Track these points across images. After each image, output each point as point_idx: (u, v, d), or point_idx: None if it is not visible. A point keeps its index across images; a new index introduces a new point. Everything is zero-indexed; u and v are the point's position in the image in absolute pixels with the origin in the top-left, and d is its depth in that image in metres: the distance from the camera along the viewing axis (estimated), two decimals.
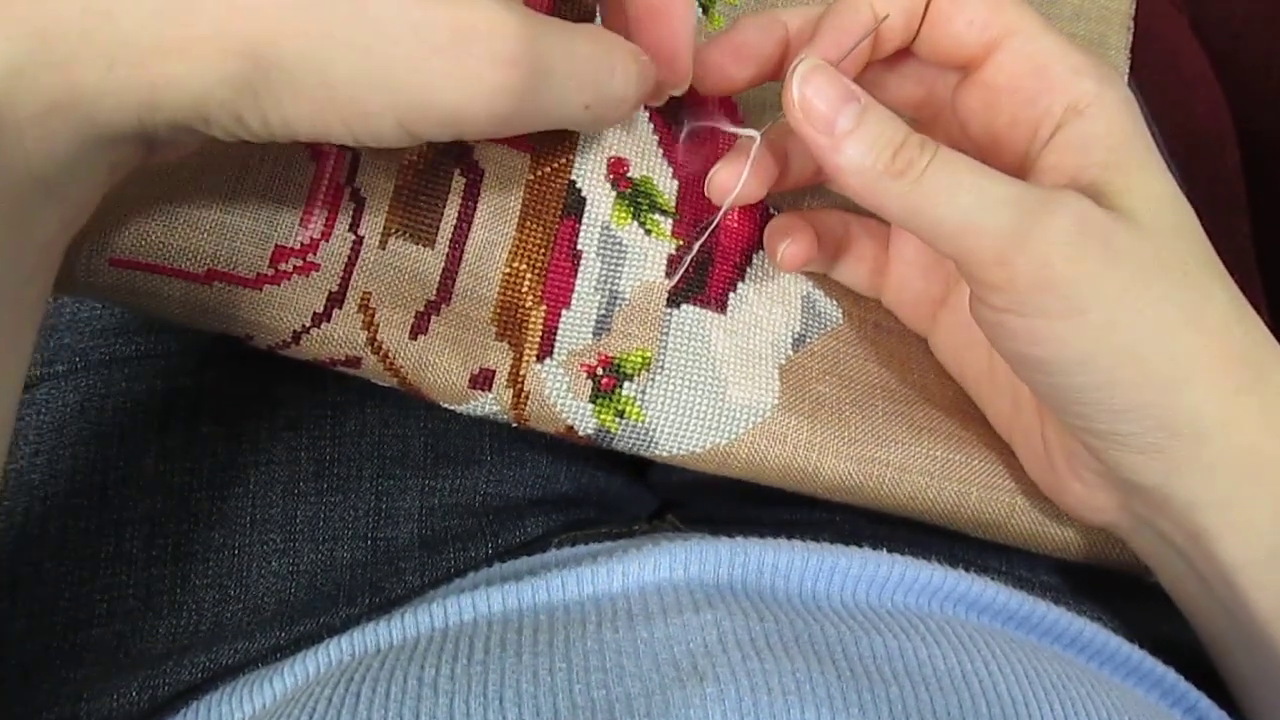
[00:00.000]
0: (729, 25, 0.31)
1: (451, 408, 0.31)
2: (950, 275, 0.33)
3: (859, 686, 0.25)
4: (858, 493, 0.32)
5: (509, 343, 0.31)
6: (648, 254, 0.32)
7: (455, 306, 0.31)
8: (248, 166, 0.30)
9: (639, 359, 0.31)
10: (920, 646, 0.27)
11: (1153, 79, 0.47)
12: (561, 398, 0.31)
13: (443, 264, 0.31)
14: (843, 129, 0.26)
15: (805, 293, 0.34)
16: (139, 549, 0.32)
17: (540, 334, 0.31)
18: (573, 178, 0.32)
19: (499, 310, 0.31)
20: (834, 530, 0.36)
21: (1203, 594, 0.30)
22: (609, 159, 0.33)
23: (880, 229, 0.34)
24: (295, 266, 0.30)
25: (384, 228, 0.31)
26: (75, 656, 0.30)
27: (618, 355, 0.31)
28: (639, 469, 0.42)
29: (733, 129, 0.31)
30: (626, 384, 0.31)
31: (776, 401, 0.32)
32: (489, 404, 0.30)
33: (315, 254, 0.30)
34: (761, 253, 0.34)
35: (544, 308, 0.31)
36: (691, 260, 0.32)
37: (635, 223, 0.33)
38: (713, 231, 0.33)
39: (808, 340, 0.34)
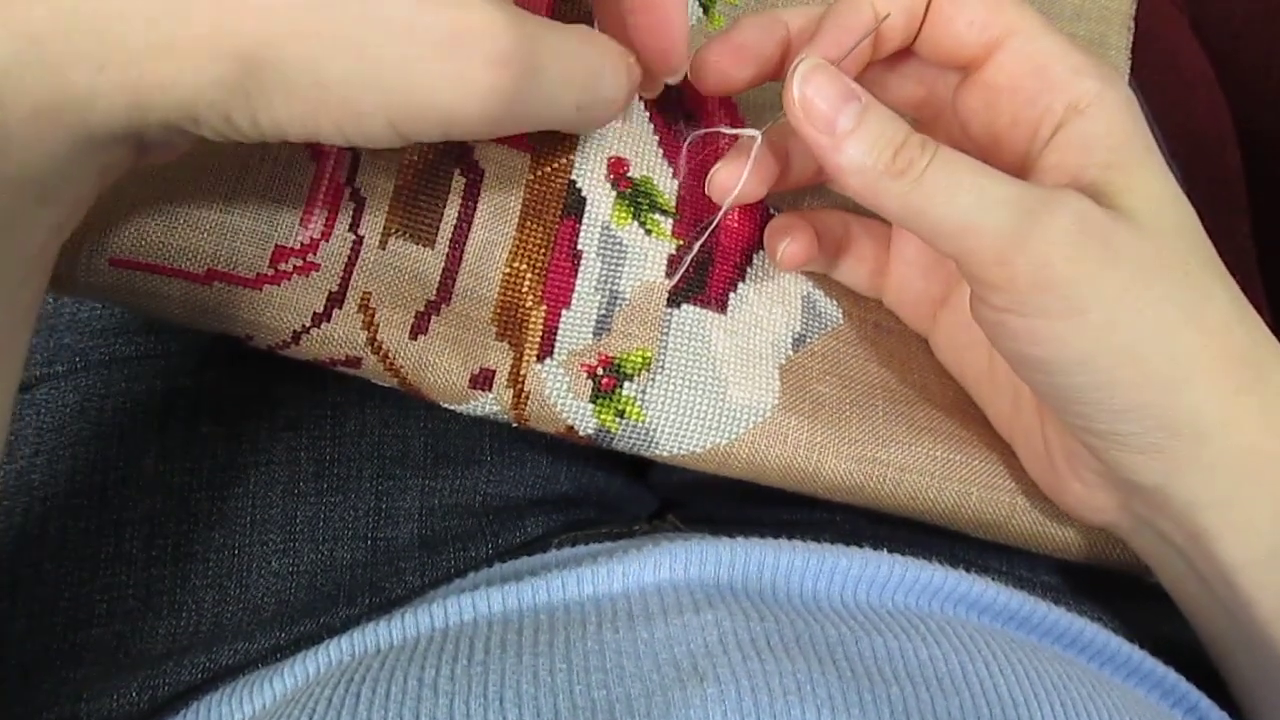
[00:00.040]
0: (729, 25, 0.31)
1: (452, 408, 0.31)
2: (951, 275, 0.33)
3: (859, 687, 0.25)
4: (858, 493, 0.32)
5: (509, 343, 0.31)
6: (648, 254, 0.32)
7: (455, 306, 0.31)
8: (248, 166, 0.30)
9: (639, 359, 0.31)
10: (921, 647, 0.27)
11: (1153, 79, 0.47)
12: (562, 398, 0.30)
13: (443, 264, 0.31)
14: (843, 128, 0.26)
15: (805, 293, 0.34)
16: (139, 549, 0.32)
17: (540, 334, 0.31)
18: (573, 178, 0.32)
19: (499, 310, 0.31)
20: (834, 530, 0.36)
21: (1203, 594, 0.30)
22: (609, 159, 0.33)
23: (881, 229, 0.34)
24: (295, 266, 0.30)
25: (384, 228, 0.31)
26: (75, 656, 0.30)
27: (618, 355, 0.31)
28: (639, 469, 0.42)
29: (733, 130, 0.31)
30: (627, 384, 0.31)
31: (777, 401, 0.32)
32: (489, 404, 0.30)
33: (315, 254, 0.30)
34: (762, 253, 0.34)
35: (544, 308, 0.31)
36: (692, 260, 0.32)
37: (635, 222, 0.33)
38: (713, 231, 0.33)
39: (808, 340, 0.33)
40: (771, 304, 0.33)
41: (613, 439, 0.31)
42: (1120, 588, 0.35)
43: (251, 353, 0.31)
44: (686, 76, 0.31)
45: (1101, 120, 0.27)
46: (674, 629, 0.26)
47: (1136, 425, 0.27)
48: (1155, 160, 0.27)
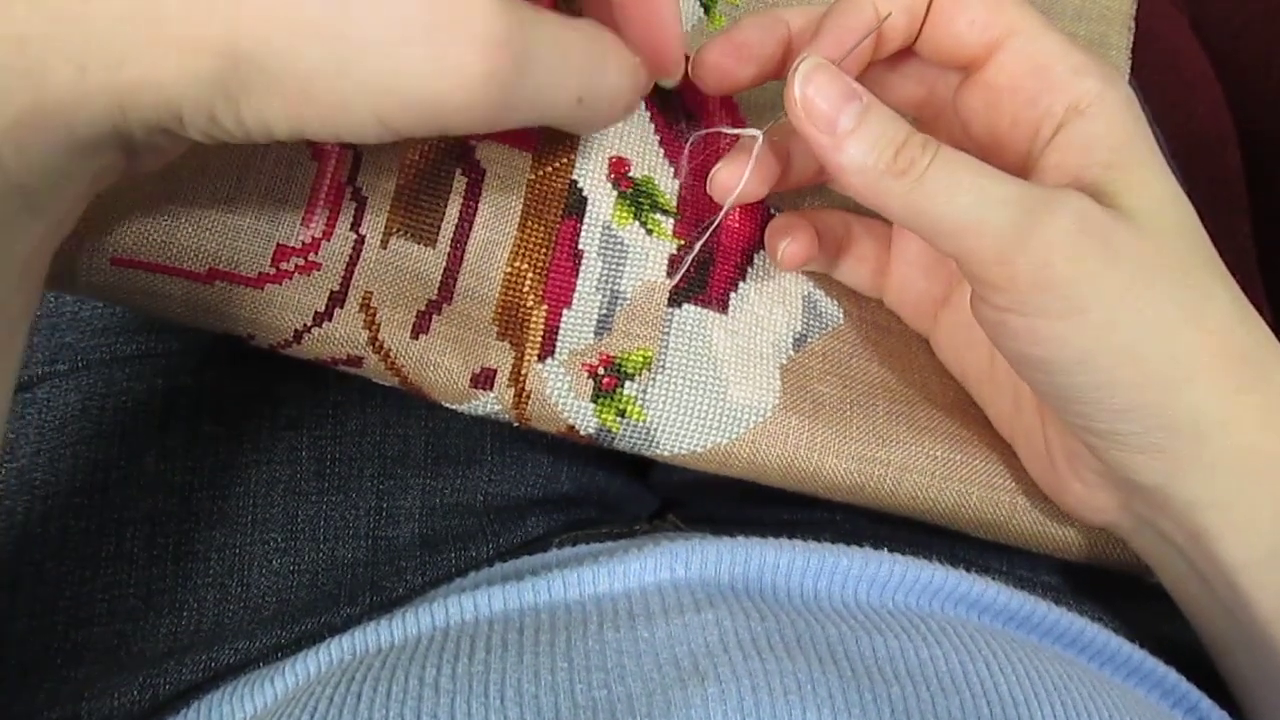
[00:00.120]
0: (730, 25, 0.31)
1: (453, 407, 0.31)
2: (952, 275, 0.33)
3: (860, 686, 0.25)
4: (859, 493, 0.32)
5: (510, 342, 0.31)
6: (649, 254, 0.32)
7: (457, 306, 0.31)
8: (249, 166, 0.30)
9: (640, 358, 0.31)
10: (921, 646, 0.27)
11: (1153, 79, 0.47)
12: (563, 397, 0.31)
13: (444, 263, 0.31)
14: (844, 128, 0.26)
15: (806, 293, 0.34)
16: (140, 548, 0.32)
17: (542, 333, 0.31)
18: (574, 177, 0.32)
19: (500, 310, 0.31)
20: (835, 530, 0.36)
21: (1203, 594, 0.30)
22: (610, 159, 0.33)
23: (882, 229, 0.34)
24: (297, 265, 0.30)
25: (385, 227, 0.31)
26: (76, 656, 0.30)
27: (619, 355, 0.31)
28: (640, 469, 0.42)
29: (734, 131, 0.31)
30: (628, 383, 0.31)
31: (778, 401, 0.32)
32: (490, 403, 0.30)
33: (317, 253, 0.30)
34: (763, 252, 0.34)
35: (545, 307, 0.31)
36: (693, 260, 0.32)
37: (636, 222, 0.33)
38: (714, 231, 0.33)
39: (809, 340, 0.34)
40: (772, 304, 0.33)
41: (614, 438, 0.31)
42: (1121, 588, 0.35)
43: (253, 352, 0.31)
44: (687, 74, 0.30)
45: (1102, 120, 0.27)
46: (675, 628, 0.26)
47: (1137, 425, 0.27)
48: (1156, 160, 0.27)
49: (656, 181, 0.33)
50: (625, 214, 0.33)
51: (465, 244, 0.31)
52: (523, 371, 0.30)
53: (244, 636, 0.31)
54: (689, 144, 0.33)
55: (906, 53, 0.30)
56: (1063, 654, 0.30)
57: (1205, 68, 0.56)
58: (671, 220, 0.33)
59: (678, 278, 0.32)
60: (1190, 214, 0.28)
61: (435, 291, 0.31)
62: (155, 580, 0.31)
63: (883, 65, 0.31)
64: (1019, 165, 0.29)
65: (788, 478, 0.32)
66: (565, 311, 0.31)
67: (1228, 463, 0.27)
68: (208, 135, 0.22)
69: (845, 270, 0.34)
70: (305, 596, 0.32)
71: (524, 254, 0.31)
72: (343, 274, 0.30)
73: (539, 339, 0.31)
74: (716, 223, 0.33)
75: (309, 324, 0.29)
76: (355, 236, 0.30)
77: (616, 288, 0.32)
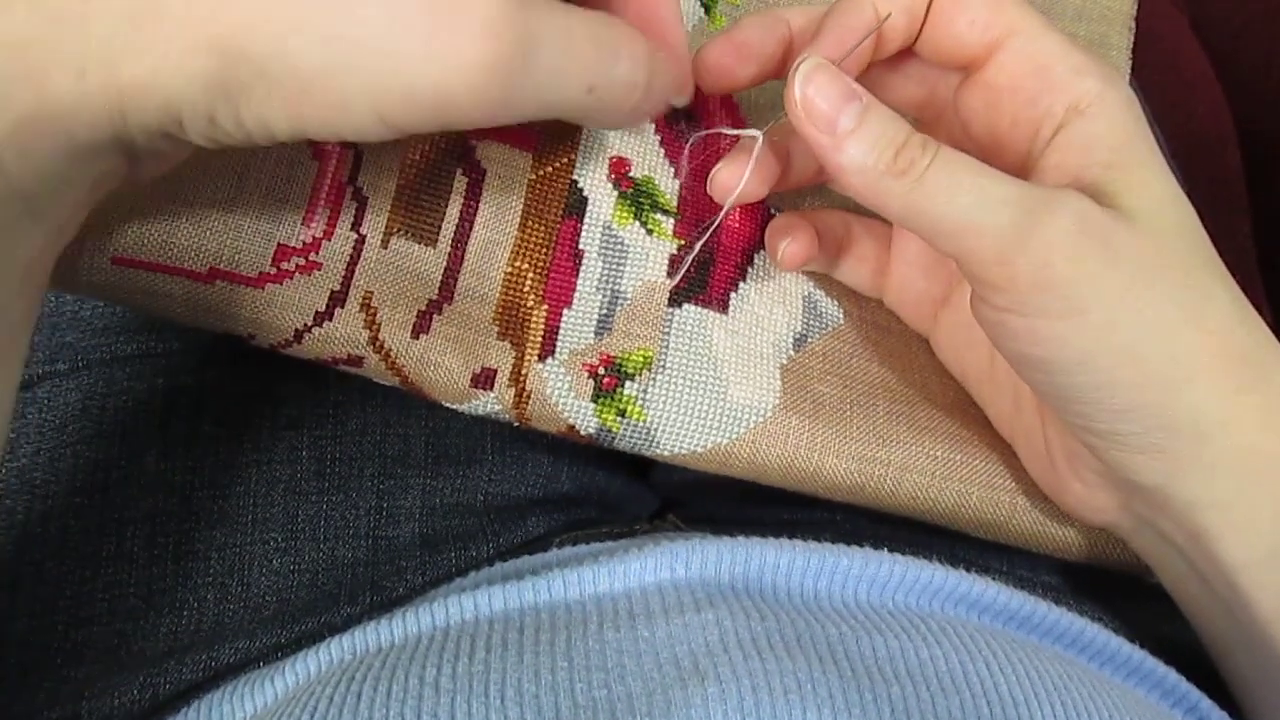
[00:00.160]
0: (731, 24, 0.31)
1: (453, 407, 0.31)
2: (952, 275, 0.33)
3: (860, 686, 0.25)
4: (859, 493, 0.32)
5: (511, 342, 0.31)
6: (649, 254, 0.32)
7: (457, 306, 0.31)
8: (250, 165, 0.30)
9: (641, 358, 0.31)
10: (921, 647, 0.27)
11: (1153, 79, 0.47)
12: (563, 397, 0.31)
13: (445, 263, 0.31)
14: (844, 128, 0.26)
15: (806, 293, 0.34)
16: (140, 548, 0.32)
17: (542, 333, 0.31)
18: (574, 177, 0.32)
19: (501, 310, 0.31)
20: (835, 530, 0.36)
21: (1203, 594, 0.30)
22: (611, 159, 0.33)
23: (882, 229, 0.34)
24: (298, 265, 0.30)
25: (386, 227, 0.31)
26: (76, 655, 0.30)
27: (619, 355, 0.31)
28: (640, 468, 0.42)
29: (734, 131, 0.31)
30: (628, 383, 0.31)
31: (778, 401, 0.32)
32: (490, 403, 0.30)
33: (317, 253, 0.30)
34: (763, 253, 0.34)
35: (546, 307, 0.31)
36: (693, 260, 0.33)
37: (637, 222, 0.33)
38: (714, 231, 0.33)
39: (809, 340, 0.34)
40: (773, 304, 0.33)
41: (614, 438, 0.31)
42: (1121, 588, 0.35)
43: (253, 352, 0.31)
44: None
45: (1102, 120, 0.27)
46: (675, 628, 0.26)
47: (1137, 425, 0.27)
48: (1156, 160, 0.27)
49: (657, 181, 0.33)
50: (626, 214, 0.33)
51: (466, 244, 0.31)
52: (523, 371, 0.30)
53: (244, 636, 0.31)
54: (689, 144, 0.33)
55: (907, 53, 0.30)
56: (1063, 654, 0.30)
57: (1205, 68, 0.55)
58: (672, 220, 0.33)
59: (678, 278, 0.32)
60: (1190, 214, 0.28)
61: (436, 291, 0.31)
62: (155, 580, 0.31)
63: (883, 65, 0.31)
64: (1019, 165, 0.29)
65: (788, 478, 0.32)
66: (566, 311, 0.31)
67: (1228, 463, 0.27)
68: (209, 138, 0.22)
69: (845, 270, 0.34)
70: (305, 596, 0.32)
71: (524, 254, 0.31)
72: (343, 274, 0.30)
73: (539, 339, 0.31)
74: (717, 223, 0.33)
75: (310, 324, 0.29)
76: (356, 236, 0.30)
77: (617, 288, 0.32)
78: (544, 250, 0.32)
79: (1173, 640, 0.33)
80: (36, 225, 0.22)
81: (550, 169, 0.32)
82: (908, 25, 0.29)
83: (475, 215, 0.31)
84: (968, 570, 0.31)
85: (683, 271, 0.32)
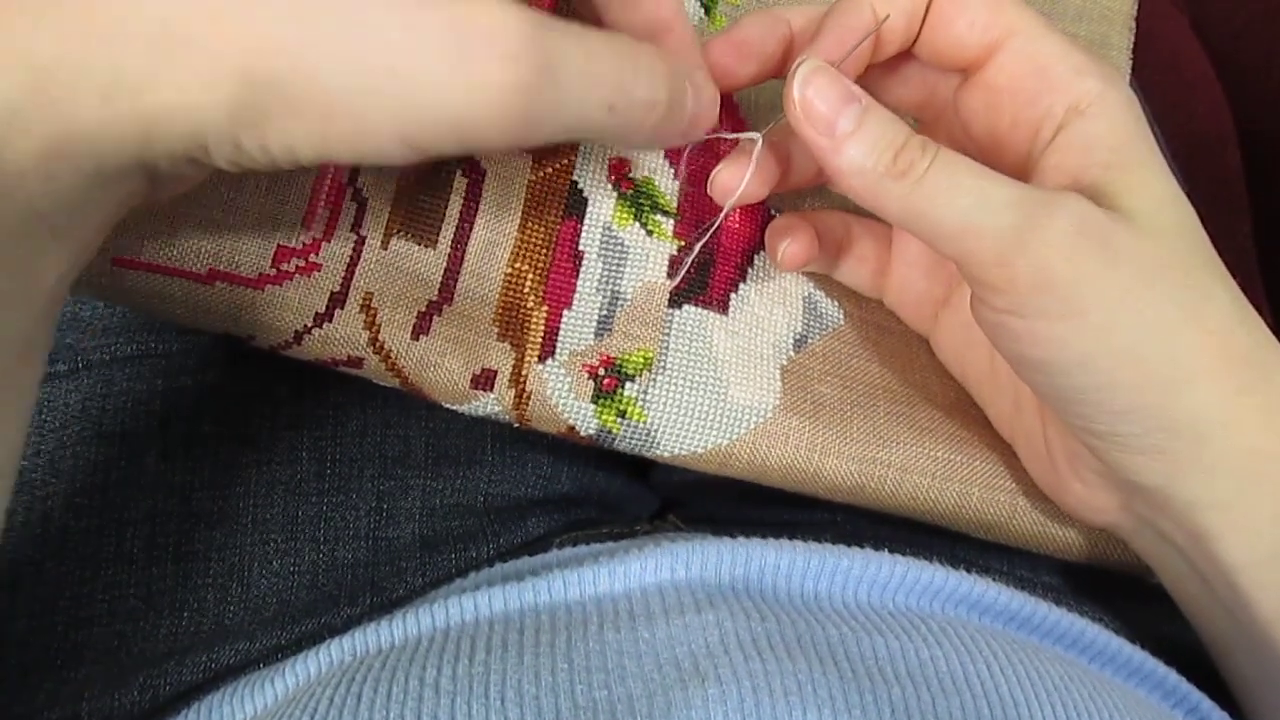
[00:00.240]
0: (731, 24, 0.31)
1: (453, 408, 0.31)
2: (952, 276, 0.33)
3: (860, 687, 0.25)
4: (859, 493, 0.32)
5: (511, 343, 0.31)
6: (649, 254, 0.32)
7: (457, 307, 0.31)
8: None
9: (641, 359, 0.31)
10: (922, 647, 0.27)
11: (1153, 79, 0.47)
12: (563, 398, 0.31)
13: (444, 264, 0.31)
14: (844, 130, 0.26)
15: (806, 293, 0.34)
16: (140, 549, 0.32)
17: (542, 334, 0.31)
18: (574, 178, 0.32)
19: (501, 310, 0.31)
20: (835, 531, 0.36)
21: (1204, 595, 0.30)
22: (610, 160, 0.33)
23: (882, 229, 0.34)
24: (297, 266, 0.30)
25: (386, 228, 0.31)
26: (76, 656, 0.30)
27: (619, 355, 0.31)
28: (640, 469, 0.42)
29: (734, 135, 0.31)
30: (628, 384, 0.31)
31: (778, 402, 0.32)
32: (491, 404, 0.30)
33: (317, 254, 0.30)
34: (763, 253, 0.34)
35: (546, 308, 0.31)
36: (693, 261, 0.33)
37: (637, 223, 0.33)
38: (714, 232, 0.33)
39: (809, 341, 0.34)
40: (773, 305, 0.33)
41: (614, 439, 0.31)
42: (1121, 588, 0.35)
43: (253, 352, 0.31)
44: None
45: (1103, 121, 0.27)
46: (675, 629, 0.26)
47: (1137, 426, 0.27)
48: (1156, 161, 0.27)
49: (656, 182, 0.33)
50: (625, 215, 0.33)
51: (466, 245, 0.31)
52: (523, 372, 0.30)
53: (244, 637, 0.31)
54: (686, 148, 0.33)
55: (906, 54, 0.30)
56: (1063, 655, 0.30)
57: (1206, 68, 0.55)
58: (672, 221, 0.33)
59: (678, 279, 0.32)
60: (1190, 214, 0.27)
61: (436, 292, 0.31)
62: (155, 580, 0.31)
63: (882, 67, 0.31)
64: (1019, 166, 0.29)
65: (788, 478, 0.32)
66: (566, 312, 0.31)
67: (1228, 464, 0.27)
68: (232, 163, 0.22)
69: (845, 271, 0.34)
70: (305, 597, 0.32)
71: (524, 255, 0.31)
72: (343, 275, 0.30)
73: (539, 340, 0.31)
74: (716, 224, 0.33)
75: (309, 325, 0.29)
76: (356, 237, 0.30)
77: (617, 288, 0.32)
78: (544, 251, 0.32)
79: (1173, 641, 0.33)
80: (59, 246, 0.22)
81: (550, 170, 0.32)
82: (907, 27, 0.29)
83: (475, 216, 0.31)
84: (968, 571, 0.31)
85: (683, 272, 0.32)
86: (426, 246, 0.31)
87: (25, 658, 0.30)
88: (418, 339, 0.30)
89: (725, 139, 0.33)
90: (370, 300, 0.30)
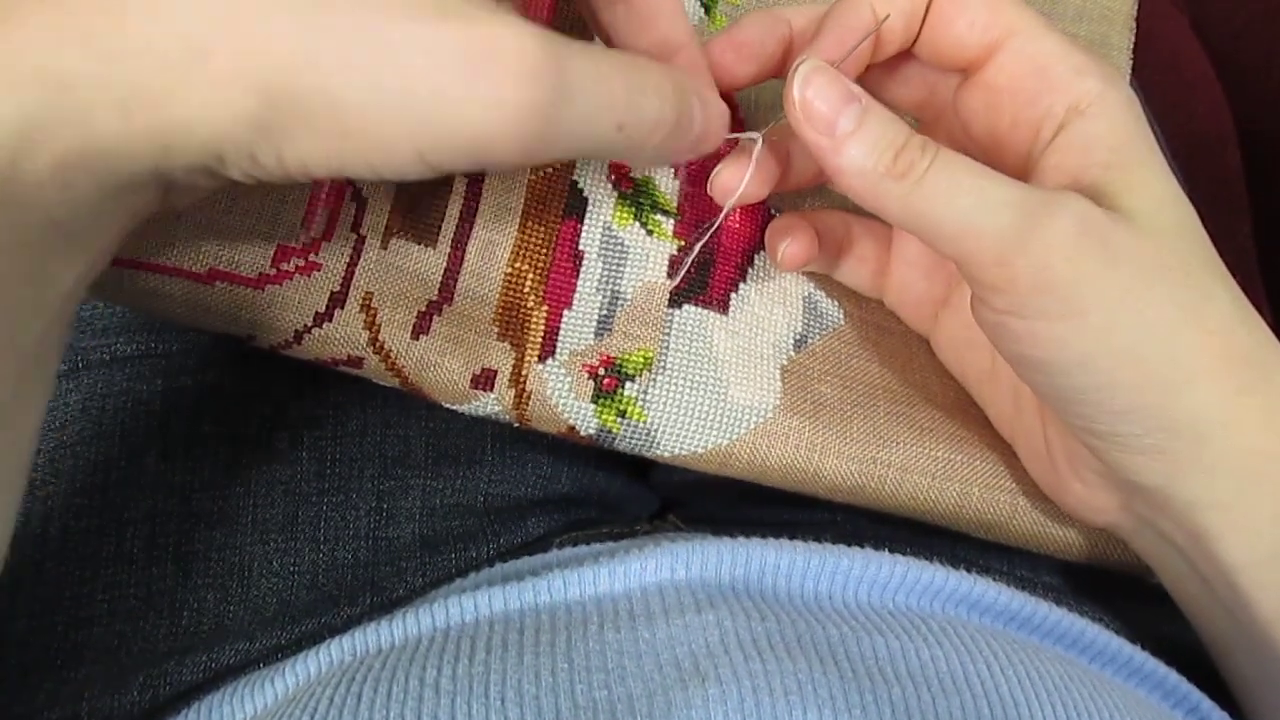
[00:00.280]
0: (731, 23, 0.31)
1: (453, 408, 0.31)
2: (952, 276, 0.33)
3: (861, 687, 0.25)
4: (859, 493, 0.32)
5: (511, 343, 0.31)
6: (649, 254, 0.32)
7: (457, 306, 0.31)
8: None
9: (641, 359, 0.31)
10: (922, 647, 0.27)
11: (1154, 79, 0.47)
12: (563, 398, 0.31)
13: (444, 264, 0.31)
14: (844, 130, 0.26)
15: (807, 293, 0.34)
16: (140, 549, 0.32)
17: (542, 334, 0.31)
18: (574, 178, 0.32)
19: (501, 310, 0.31)
20: (836, 531, 0.36)
21: (1204, 595, 0.30)
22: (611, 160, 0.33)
23: (882, 229, 0.34)
24: (297, 266, 0.30)
25: (386, 227, 0.31)
26: (76, 656, 0.30)
27: (620, 355, 0.31)
28: (640, 469, 0.42)
29: (734, 135, 0.31)
30: (628, 384, 0.31)
31: (778, 402, 0.32)
32: (491, 404, 0.30)
33: (317, 254, 0.30)
34: (763, 253, 0.34)
35: (546, 308, 0.31)
36: (693, 261, 0.33)
37: (637, 223, 0.33)
38: (714, 232, 0.33)
39: (809, 341, 0.34)
40: (773, 304, 0.33)
41: (614, 439, 0.31)
42: (1121, 588, 0.35)
43: (253, 352, 0.31)
44: None
45: (1103, 120, 0.27)
46: (675, 629, 0.26)
47: (1137, 426, 0.27)
48: (1156, 160, 0.27)
49: (656, 182, 0.33)
50: (626, 215, 0.33)
51: (466, 244, 0.31)
52: (523, 372, 0.30)
53: (244, 637, 0.31)
54: None
55: (906, 54, 0.30)
56: (1063, 655, 0.30)
57: (1206, 68, 0.55)
58: (672, 221, 0.33)
59: (678, 279, 0.32)
60: (1190, 214, 0.27)
61: (436, 292, 0.31)
62: (155, 580, 0.31)
63: (882, 68, 0.31)
64: (1020, 166, 0.29)
65: (788, 478, 0.32)
66: (566, 312, 0.31)
67: (1228, 464, 0.27)
68: (248, 175, 0.22)
69: (845, 271, 0.34)
70: (305, 597, 0.32)
71: (524, 254, 0.31)
72: (343, 274, 0.30)
73: (539, 340, 0.31)
74: (716, 225, 0.33)
75: (309, 324, 0.29)
76: (356, 237, 0.30)
77: (617, 288, 0.32)
78: (544, 251, 0.32)
79: (1173, 641, 0.33)
80: (75, 255, 0.22)
81: (550, 169, 0.32)
82: (906, 26, 0.29)
83: (475, 216, 0.31)
84: (968, 571, 0.31)
85: (683, 272, 0.32)
86: (426, 246, 0.31)
87: (25, 658, 0.30)
88: (418, 339, 0.30)
89: (725, 139, 0.33)
90: (370, 300, 0.30)
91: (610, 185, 0.33)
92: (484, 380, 0.30)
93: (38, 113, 0.19)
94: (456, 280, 0.31)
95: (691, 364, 0.32)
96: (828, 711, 0.24)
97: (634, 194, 0.33)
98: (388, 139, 0.21)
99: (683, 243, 0.33)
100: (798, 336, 0.33)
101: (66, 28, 0.19)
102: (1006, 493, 0.33)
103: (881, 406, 0.33)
